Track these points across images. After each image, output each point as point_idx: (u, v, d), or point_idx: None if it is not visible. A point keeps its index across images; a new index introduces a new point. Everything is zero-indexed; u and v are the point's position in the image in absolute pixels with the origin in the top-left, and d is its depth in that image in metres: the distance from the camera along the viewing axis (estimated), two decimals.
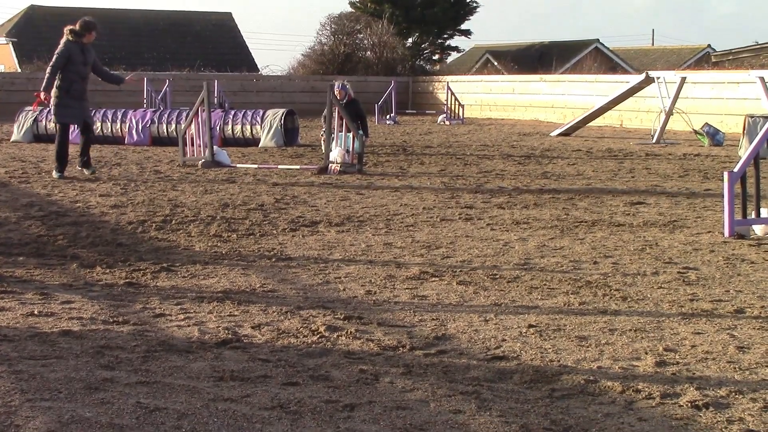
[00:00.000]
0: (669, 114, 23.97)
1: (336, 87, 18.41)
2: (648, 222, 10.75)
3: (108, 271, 7.97)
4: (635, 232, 10.12)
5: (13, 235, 9.68)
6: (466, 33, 55.93)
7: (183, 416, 4.52)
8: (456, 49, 57.50)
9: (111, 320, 6.32)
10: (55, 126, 14.78)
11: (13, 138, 23.13)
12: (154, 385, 4.96)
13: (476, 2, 54.76)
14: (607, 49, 55.28)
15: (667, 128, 24.32)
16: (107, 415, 4.50)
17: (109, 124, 22.74)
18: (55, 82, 14.28)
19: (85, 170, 14.90)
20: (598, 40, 54.83)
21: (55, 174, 14.68)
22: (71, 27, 14.38)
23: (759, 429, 4.42)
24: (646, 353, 5.65)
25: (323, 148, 16.24)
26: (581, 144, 22.74)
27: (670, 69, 33.05)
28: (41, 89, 14.37)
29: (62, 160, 14.60)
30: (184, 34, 54.81)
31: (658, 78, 24.60)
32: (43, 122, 23.11)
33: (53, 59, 14.25)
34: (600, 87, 32.54)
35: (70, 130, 15.12)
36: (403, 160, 18.43)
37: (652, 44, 75.38)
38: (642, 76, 25.77)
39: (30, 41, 50.01)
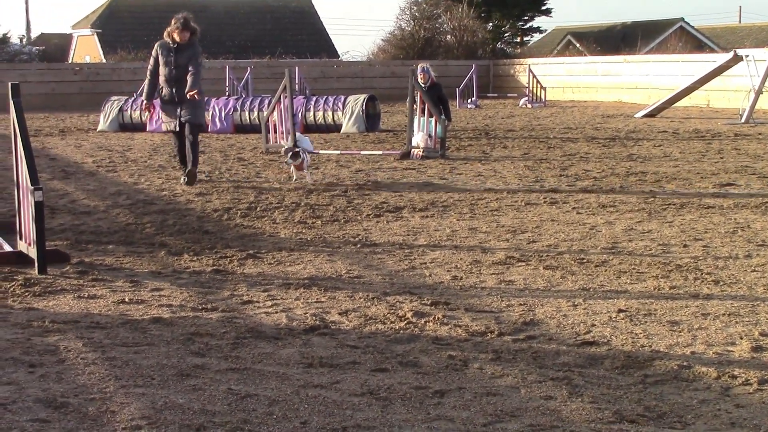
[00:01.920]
0: (758, 93, 23.44)
1: (419, 71, 18.31)
2: (739, 204, 10.53)
3: (195, 258, 8.04)
4: (726, 214, 9.92)
5: (102, 223, 9.82)
6: (547, 13, 55.32)
7: (274, 402, 4.54)
8: (537, 30, 56.98)
9: (200, 307, 6.38)
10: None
11: (99, 128, 23.49)
12: (245, 372, 4.99)
13: None
14: (693, 27, 54.29)
15: (756, 107, 23.80)
16: (199, 402, 4.54)
17: None
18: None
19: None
20: (683, 18, 53.86)
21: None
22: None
23: None
24: (741, 338, 5.53)
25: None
26: (667, 125, 22.38)
27: (759, 47, 32.33)
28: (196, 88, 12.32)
29: (184, 161, 12.84)
30: (265, 21, 55.12)
31: (747, 56, 24.07)
32: (128, 111, 23.44)
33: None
34: (685, 67, 31.96)
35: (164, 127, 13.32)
36: (485, 144, 18.32)
37: (740, 22, 73.86)
38: (730, 55, 25.25)
39: (114, 32, 50.78)
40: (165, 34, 12.59)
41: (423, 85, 17.79)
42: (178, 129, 12.59)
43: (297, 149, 12.80)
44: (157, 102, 12.74)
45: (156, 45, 12.67)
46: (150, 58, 12.76)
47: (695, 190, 11.60)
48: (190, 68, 12.33)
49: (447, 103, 18.68)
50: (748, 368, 4.97)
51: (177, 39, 12.39)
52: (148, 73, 12.67)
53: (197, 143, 12.73)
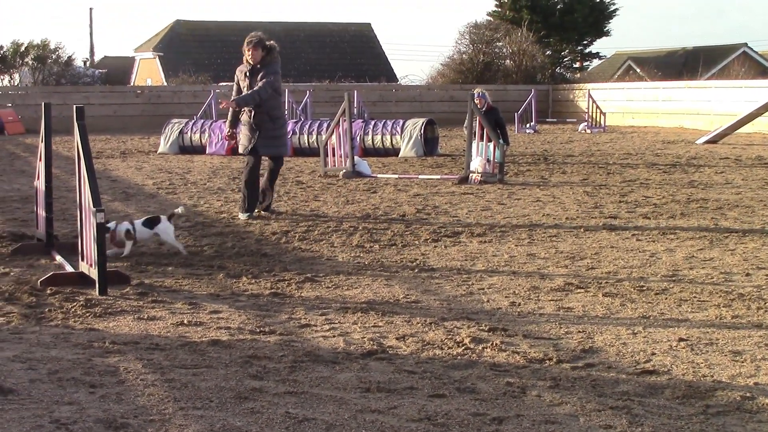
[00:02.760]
0: None
1: (476, 95, 18.33)
2: None
3: (254, 281, 8.08)
4: None
5: (163, 246, 9.91)
6: (606, 34, 54.99)
7: (331, 427, 4.54)
8: (597, 56, 56.74)
9: (258, 330, 6.41)
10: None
11: (159, 150, 23.76)
12: (302, 396, 5.00)
13: (615, 5, 53.94)
14: (756, 53, 53.72)
15: None
16: (257, 425, 4.55)
17: None
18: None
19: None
20: (746, 44, 53.34)
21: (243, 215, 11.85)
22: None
23: None
24: None
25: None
26: (729, 152, 22.12)
27: None
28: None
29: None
30: (324, 45, 55.54)
31: None
32: (188, 134, 23.69)
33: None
34: (748, 93, 31.61)
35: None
36: (544, 169, 18.24)
37: None
38: None
39: (175, 55, 51.46)
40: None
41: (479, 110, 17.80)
42: (249, 153, 11.83)
43: (109, 224, 8.86)
44: (239, 128, 11.97)
45: (237, 69, 11.92)
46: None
47: (758, 219, 11.45)
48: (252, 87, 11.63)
49: (505, 128, 18.66)
50: None
51: (250, 60, 11.63)
52: (235, 94, 11.85)
53: (275, 176, 12.24)
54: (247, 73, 11.68)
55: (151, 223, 9.43)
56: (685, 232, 10.44)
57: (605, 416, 4.71)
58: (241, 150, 12.02)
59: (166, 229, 9.36)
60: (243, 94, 11.69)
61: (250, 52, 11.60)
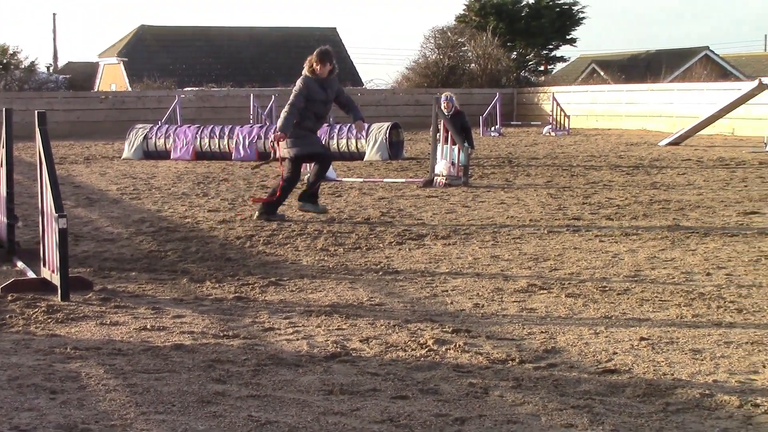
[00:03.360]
0: None
1: (443, 99, 18.48)
2: (762, 232, 10.47)
3: (217, 285, 8.07)
4: (749, 242, 9.86)
5: (126, 250, 9.87)
6: (572, 42, 55.30)
7: (294, 429, 4.54)
8: (561, 59, 56.99)
9: (221, 334, 6.40)
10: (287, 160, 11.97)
11: (124, 155, 23.64)
12: (265, 399, 5.00)
13: (584, 12, 54.24)
14: (717, 56, 54.17)
15: None
16: (219, 429, 4.55)
17: (216, 141, 23.10)
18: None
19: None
20: (708, 47, 53.74)
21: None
22: (309, 59, 11.76)
23: None
24: (764, 366, 5.49)
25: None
26: (691, 153, 22.31)
27: None
28: (276, 130, 11.82)
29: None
30: (289, 50, 55.40)
31: None
32: (153, 139, 23.60)
33: (292, 98, 11.65)
34: (710, 95, 31.88)
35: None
36: (508, 171, 18.31)
37: (765, 50, 73.64)
38: (755, 83, 25.19)
39: (140, 61, 51.18)
40: (306, 66, 11.70)
41: (447, 114, 17.89)
42: (321, 152, 12.18)
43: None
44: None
45: (306, 81, 11.62)
46: (296, 91, 11.62)
47: (719, 219, 11.56)
48: (344, 99, 12.19)
49: (470, 132, 18.74)
50: None
51: (322, 74, 11.61)
52: (296, 108, 11.55)
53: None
54: (323, 87, 11.74)
55: None
56: (647, 233, 10.52)
57: (567, 415, 4.74)
58: (294, 154, 11.85)
59: None
60: (356, 107, 12.39)
61: (326, 67, 11.65)
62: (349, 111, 12.36)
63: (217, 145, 23.08)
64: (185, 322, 6.76)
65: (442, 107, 18.14)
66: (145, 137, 23.71)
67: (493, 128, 33.81)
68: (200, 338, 6.30)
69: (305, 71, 11.68)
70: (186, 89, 41.04)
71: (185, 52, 52.39)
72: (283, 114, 11.65)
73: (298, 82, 11.65)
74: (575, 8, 53.64)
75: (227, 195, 14.89)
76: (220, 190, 15.74)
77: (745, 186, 15.19)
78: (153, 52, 52.43)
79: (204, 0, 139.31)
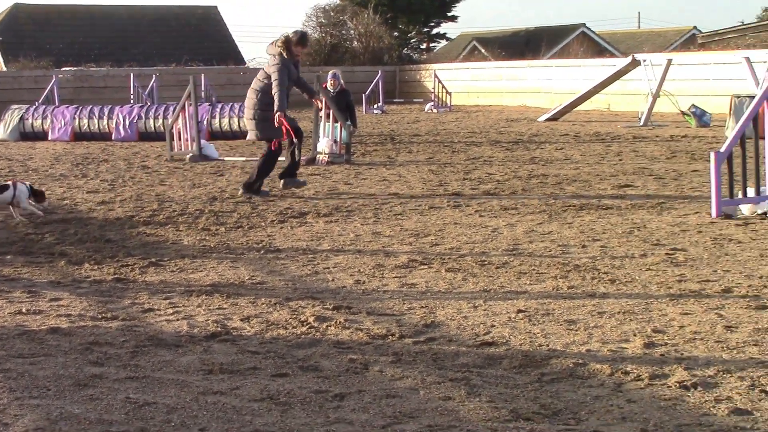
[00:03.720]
0: (656, 96, 24.01)
1: (329, 76, 18.58)
2: (635, 204, 10.76)
3: (96, 267, 7.95)
4: (623, 214, 10.13)
5: (0, 234, 9.65)
6: (453, 19, 55.77)
7: (172, 410, 4.51)
8: (443, 37, 57.45)
9: (99, 316, 6.31)
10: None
11: None
12: (143, 380, 4.96)
13: None
14: (594, 33, 55.17)
15: (654, 110, 24.35)
16: (96, 411, 4.50)
17: (96, 121, 22.68)
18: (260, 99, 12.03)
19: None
20: (584, 24, 54.68)
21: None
22: (285, 39, 12.00)
23: (746, 407, 4.43)
24: (635, 335, 5.66)
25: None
26: (569, 128, 22.74)
27: (657, 51, 33.05)
28: (277, 111, 11.86)
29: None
30: (170, 28, 54.63)
31: (644, 61, 24.63)
32: (30, 120, 23.05)
33: (277, 77, 11.76)
34: (587, 71, 32.54)
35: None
36: (390, 149, 18.41)
37: (639, 27, 75.34)
38: (628, 60, 25.81)
39: (15, 40, 49.80)
40: (282, 47, 11.88)
41: (332, 91, 17.94)
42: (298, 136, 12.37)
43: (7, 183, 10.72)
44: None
45: (282, 60, 11.83)
46: (280, 70, 11.76)
47: (594, 192, 11.83)
48: (302, 80, 12.45)
49: (353, 110, 18.80)
50: (640, 364, 5.09)
51: (297, 55, 12.13)
52: (283, 86, 11.83)
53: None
54: (295, 66, 12.18)
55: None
56: (525, 207, 10.71)
57: (444, 388, 4.81)
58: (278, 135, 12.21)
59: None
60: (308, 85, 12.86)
61: (300, 49, 12.28)
62: (304, 91, 12.90)
63: (96, 126, 22.67)
64: (62, 305, 6.65)
65: (329, 85, 18.23)
66: (22, 118, 23.16)
67: (375, 106, 33.94)
68: (78, 321, 6.21)
69: (281, 51, 11.86)
70: (64, 69, 40.14)
71: (62, 30, 51.16)
72: (276, 95, 11.83)
73: (277, 62, 11.83)
74: None
75: (107, 176, 14.65)
76: (99, 171, 15.47)
77: (620, 160, 15.57)
78: (28, 31, 51.08)
79: None
